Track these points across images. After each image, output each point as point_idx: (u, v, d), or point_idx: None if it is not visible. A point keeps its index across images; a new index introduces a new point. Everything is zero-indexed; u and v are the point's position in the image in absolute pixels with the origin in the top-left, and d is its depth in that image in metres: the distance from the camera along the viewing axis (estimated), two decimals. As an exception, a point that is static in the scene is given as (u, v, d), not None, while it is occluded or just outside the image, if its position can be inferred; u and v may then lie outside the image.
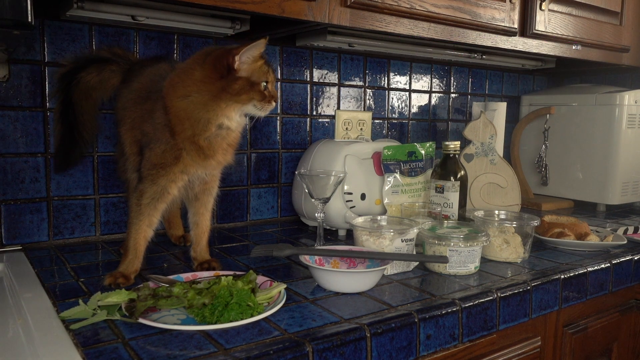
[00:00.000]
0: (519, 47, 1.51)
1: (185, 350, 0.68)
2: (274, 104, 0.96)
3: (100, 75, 1.13)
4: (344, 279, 0.91)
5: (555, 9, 1.55)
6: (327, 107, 1.60)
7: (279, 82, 1.49)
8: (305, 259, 0.95)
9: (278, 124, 1.51)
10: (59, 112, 1.10)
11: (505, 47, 1.48)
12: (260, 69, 0.94)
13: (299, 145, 1.55)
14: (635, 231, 1.51)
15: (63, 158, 1.14)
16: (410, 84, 1.79)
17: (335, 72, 1.60)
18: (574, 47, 1.64)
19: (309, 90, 1.55)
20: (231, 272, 0.95)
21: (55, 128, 1.11)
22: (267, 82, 0.95)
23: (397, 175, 1.31)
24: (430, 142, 1.39)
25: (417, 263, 1.08)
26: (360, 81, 1.66)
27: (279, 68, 1.49)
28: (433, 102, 1.87)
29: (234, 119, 0.96)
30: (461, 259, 1.03)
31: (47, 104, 1.16)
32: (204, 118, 0.93)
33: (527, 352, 1.05)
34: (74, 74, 1.10)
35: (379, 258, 0.96)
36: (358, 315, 0.81)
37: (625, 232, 1.48)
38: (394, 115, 1.77)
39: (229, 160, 1.01)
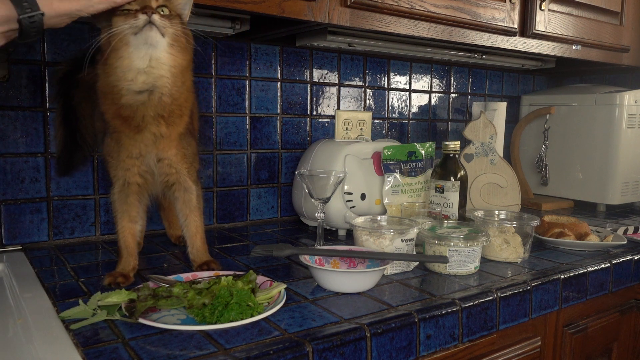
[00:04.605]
0: (519, 47, 1.51)
1: (185, 350, 0.68)
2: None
3: None
4: (344, 279, 0.91)
5: (555, 9, 1.55)
6: (327, 107, 1.59)
7: (278, 82, 1.49)
8: (305, 259, 0.95)
9: (278, 124, 1.51)
10: (61, 116, 1.09)
11: (505, 47, 1.48)
12: None
13: (299, 145, 1.55)
14: (635, 231, 1.51)
15: (66, 162, 1.12)
16: (410, 84, 1.79)
17: (335, 72, 1.60)
18: (574, 47, 1.64)
19: (309, 90, 1.55)
20: (231, 272, 0.95)
21: (57, 132, 1.10)
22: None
23: (397, 175, 1.31)
24: (430, 142, 1.39)
25: (417, 263, 1.08)
26: (360, 81, 1.66)
27: (279, 68, 1.49)
28: (433, 102, 1.87)
29: (132, 67, 0.85)
30: (461, 259, 1.03)
31: (47, 104, 1.16)
32: (111, 83, 0.88)
33: (527, 352, 1.05)
34: (73, 75, 1.09)
35: (379, 258, 0.96)
36: (358, 315, 0.81)
37: (625, 232, 1.48)
38: (394, 115, 1.77)
39: (167, 132, 0.92)
